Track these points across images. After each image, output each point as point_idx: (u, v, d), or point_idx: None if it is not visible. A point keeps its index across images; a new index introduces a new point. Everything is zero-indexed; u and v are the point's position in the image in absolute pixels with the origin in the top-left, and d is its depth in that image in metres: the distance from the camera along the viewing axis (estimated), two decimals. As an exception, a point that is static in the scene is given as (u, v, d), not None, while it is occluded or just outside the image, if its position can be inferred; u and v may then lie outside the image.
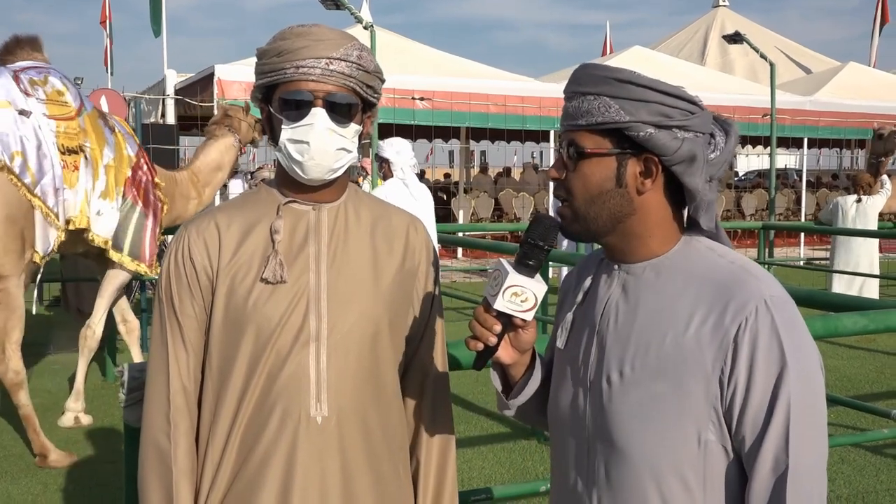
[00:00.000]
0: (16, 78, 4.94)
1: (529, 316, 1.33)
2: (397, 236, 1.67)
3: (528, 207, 15.86)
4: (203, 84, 10.91)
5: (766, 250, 9.67)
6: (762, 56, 11.92)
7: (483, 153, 24.80)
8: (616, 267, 1.38)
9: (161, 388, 1.58)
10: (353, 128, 1.59)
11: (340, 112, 1.56)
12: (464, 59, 14.14)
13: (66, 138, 4.98)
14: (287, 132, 1.56)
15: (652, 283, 1.33)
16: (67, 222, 5.00)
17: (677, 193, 1.34)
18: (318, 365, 1.55)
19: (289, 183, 1.62)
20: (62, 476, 4.66)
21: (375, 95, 1.62)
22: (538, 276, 1.35)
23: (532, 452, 4.98)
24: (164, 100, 10.43)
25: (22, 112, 4.80)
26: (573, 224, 1.37)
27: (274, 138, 1.60)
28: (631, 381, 1.30)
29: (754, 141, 17.36)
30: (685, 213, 1.38)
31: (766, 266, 9.40)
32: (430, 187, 18.47)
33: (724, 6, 22.95)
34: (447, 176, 23.10)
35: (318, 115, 1.54)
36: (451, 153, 25.56)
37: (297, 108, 1.55)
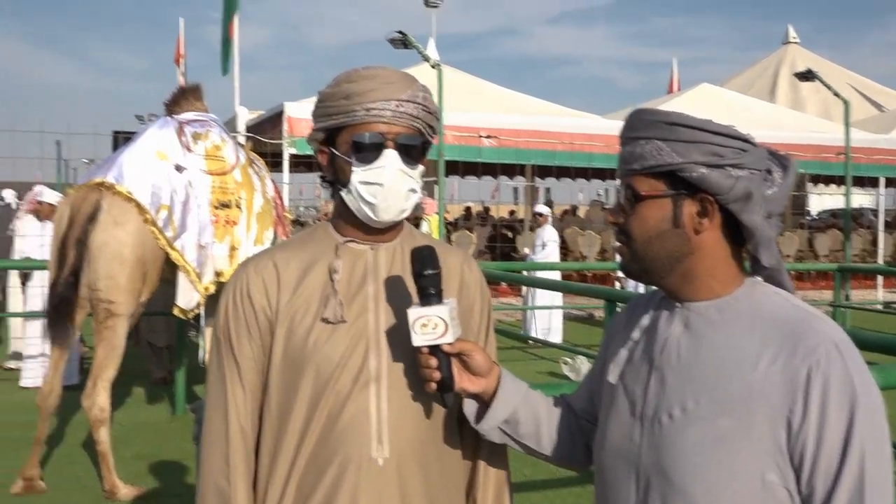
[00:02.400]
0: (180, 130, 5.21)
1: (449, 338, 1.44)
2: (452, 275, 1.66)
3: (594, 246, 15.69)
4: (273, 121, 11.13)
5: (843, 293, 9.35)
6: (835, 94, 11.65)
7: (548, 190, 24.71)
8: (678, 305, 1.38)
9: (220, 429, 1.58)
10: (420, 168, 1.61)
11: (410, 153, 1.57)
12: (530, 96, 14.16)
13: (220, 193, 5.25)
14: (359, 174, 1.56)
15: (716, 322, 1.33)
16: (218, 274, 5.26)
17: (737, 232, 1.35)
18: (378, 406, 1.53)
19: (349, 222, 1.62)
20: (131, 509, 4.72)
21: (434, 135, 1.65)
22: (443, 299, 1.46)
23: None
24: (235, 137, 10.68)
25: (178, 167, 5.07)
26: (631, 264, 1.39)
27: (340, 181, 1.60)
28: (694, 416, 1.29)
29: (828, 180, 16.91)
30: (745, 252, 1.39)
31: (843, 310, 9.10)
32: (494, 224, 18.42)
33: (795, 43, 22.57)
34: (512, 213, 23.07)
35: (391, 156, 1.55)
36: (515, 190, 25.56)
37: (369, 151, 1.55)
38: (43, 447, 5.01)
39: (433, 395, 1.53)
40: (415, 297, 1.55)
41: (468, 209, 22.60)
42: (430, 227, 10.66)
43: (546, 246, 10.34)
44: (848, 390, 1.21)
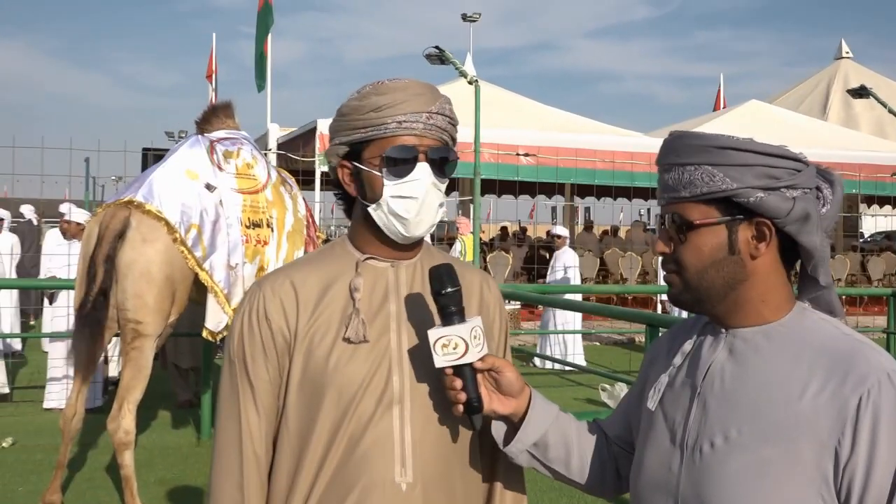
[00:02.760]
0: (211, 149, 5.13)
1: (471, 357, 1.40)
2: (472, 293, 1.63)
3: (636, 268, 15.35)
4: (305, 138, 11.07)
5: (898, 319, 8.90)
6: (890, 111, 11.30)
7: (587, 210, 24.43)
8: (723, 331, 1.35)
9: (232, 457, 1.52)
10: (446, 182, 1.57)
11: (440, 166, 1.53)
12: (570, 113, 13.96)
13: (251, 212, 5.16)
14: (391, 188, 1.50)
15: (762, 349, 1.30)
16: None
17: (787, 254, 1.33)
18: (402, 428, 1.49)
19: (371, 238, 1.57)
20: (150, 537, 4.58)
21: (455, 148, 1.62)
22: (465, 317, 1.42)
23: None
24: (266, 154, 10.64)
25: (208, 186, 4.98)
26: (683, 293, 1.35)
27: (366, 196, 1.53)
28: (737, 445, 1.26)
29: (882, 200, 16.44)
30: (794, 275, 1.37)
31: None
32: (531, 245, 18.23)
33: (848, 58, 22.08)
34: (549, 233, 22.77)
35: (424, 170, 1.51)
36: (553, 209, 25.31)
37: (402, 164, 1.50)
38: (65, 471, 4.93)
39: (461, 417, 1.48)
40: (437, 316, 1.49)
41: (504, 229, 22.38)
42: (465, 247, 10.45)
43: (568, 271, 10.07)
44: None
